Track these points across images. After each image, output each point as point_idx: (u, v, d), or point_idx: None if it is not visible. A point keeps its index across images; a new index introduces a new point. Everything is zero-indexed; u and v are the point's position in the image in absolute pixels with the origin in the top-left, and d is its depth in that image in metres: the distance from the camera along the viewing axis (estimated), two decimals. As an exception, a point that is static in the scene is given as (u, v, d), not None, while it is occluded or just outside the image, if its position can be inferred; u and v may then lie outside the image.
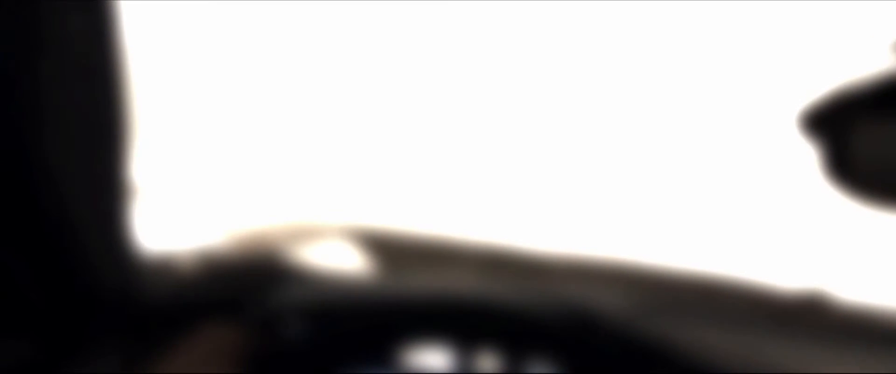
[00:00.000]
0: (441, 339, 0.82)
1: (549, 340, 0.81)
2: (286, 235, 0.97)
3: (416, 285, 0.88)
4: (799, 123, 0.74)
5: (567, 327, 0.81)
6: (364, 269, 0.96)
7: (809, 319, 0.89)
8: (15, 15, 0.43)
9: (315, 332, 0.82)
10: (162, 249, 0.85)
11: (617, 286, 0.94)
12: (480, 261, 0.94)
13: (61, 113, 0.49)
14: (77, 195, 0.54)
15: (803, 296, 0.92)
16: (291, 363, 0.81)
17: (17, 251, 0.53)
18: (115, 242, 0.62)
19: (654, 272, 0.97)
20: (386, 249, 0.95)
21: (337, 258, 0.97)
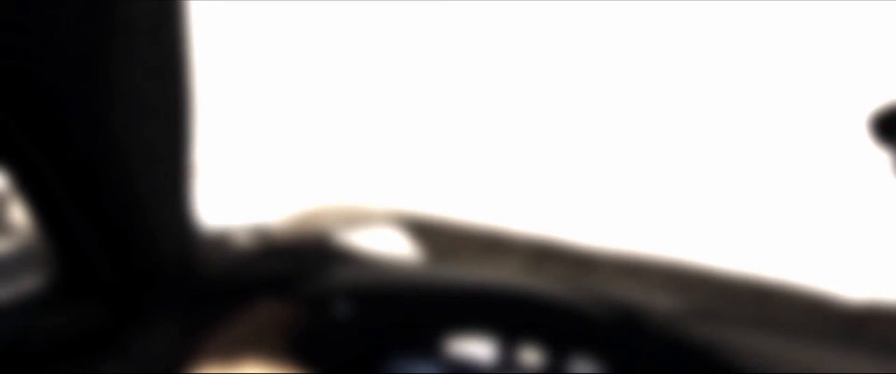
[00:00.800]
0: (485, 330, 0.81)
1: (595, 337, 0.80)
2: (338, 218, 0.99)
3: (463, 275, 0.88)
4: (870, 129, 0.70)
5: (614, 325, 0.80)
6: (412, 255, 0.97)
7: (873, 329, 0.85)
8: None
9: (362, 313, 0.83)
10: (220, 226, 0.89)
11: (668, 287, 0.92)
12: (528, 254, 0.94)
13: (130, 93, 0.51)
14: (143, 172, 0.56)
15: (867, 306, 0.88)
16: (338, 341, 0.83)
17: (86, 223, 0.56)
18: (177, 218, 0.65)
19: (707, 275, 0.95)
20: (434, 237, 0.96)
21: (386, 244, 0.98)
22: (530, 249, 0.98)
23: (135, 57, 0.49)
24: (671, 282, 0.92)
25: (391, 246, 0.97)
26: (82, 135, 0.50)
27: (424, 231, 0.99)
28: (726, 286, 0.94)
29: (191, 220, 0.68)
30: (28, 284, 0.63)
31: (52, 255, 0.59)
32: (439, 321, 0.83)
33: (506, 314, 0.83)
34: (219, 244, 0.87)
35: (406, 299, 0.85)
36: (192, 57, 0.55)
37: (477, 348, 0.82)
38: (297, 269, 0.85)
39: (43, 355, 0.58)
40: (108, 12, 0.46)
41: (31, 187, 0.53)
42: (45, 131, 0.50)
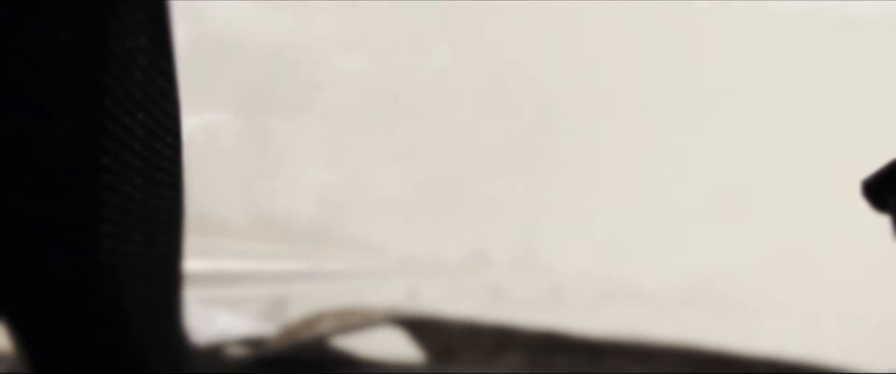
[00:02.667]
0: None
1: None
2: (335, 323, 0.96)
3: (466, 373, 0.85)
4: (864, 193, 0.70)
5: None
6: (414, 357, 0.93)
7: None
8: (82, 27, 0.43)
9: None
10: (212, 338, 0.86)
11: (673, 369, 0.88)
12: (534, 348, 0.90)
13: (122, 200, 0.50)
14: (132, 283, 0.54)
15: None
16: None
17: (72, 338, 0.54)
18: (167, 331, 0.63)
19: (721, 357, 0.91)
20: (436, 336, 0.93)
21: (386, 346, 0.95)
22: (536, 343, 0.95)
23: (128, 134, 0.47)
24: (685, 367, 0.88)
25: (392, 348, 0.94)
26: (68, 246, 0.49)
27: (426, 331, 0.96)
28: (741, 367, 0.90)
29: (182, 333, 0.65)
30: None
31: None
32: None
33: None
34: (211, 358, 0.84)
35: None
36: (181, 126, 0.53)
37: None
38: (294, 379, 0.82)
39: None
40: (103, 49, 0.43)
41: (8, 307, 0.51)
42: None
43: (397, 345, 0.95)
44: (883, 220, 0.64)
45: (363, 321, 0.94)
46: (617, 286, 6.57)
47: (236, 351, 0.86)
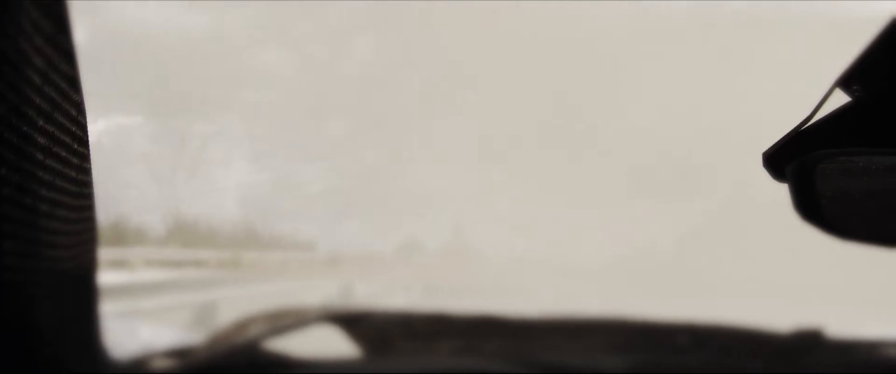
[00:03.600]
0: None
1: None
2: (265, 326, 0.94)
3: (402, 367, 0.85)
4: (765, 164, 0.76)
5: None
6: (349, 353, 0.93)
7: (804, 355, 0.88)
8: None
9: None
10: (135, 350, 0.82)
11: (612, 345, 0.92)
12: (467, 333, 0.92)
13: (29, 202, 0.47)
14: (43, 299, 0.51)
15: (797, 335, 0.92)
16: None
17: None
18: (85, 347, 0.59)
19: (648, 327, 0.96)
20: (369, 331, 0.93)
21: (320, 345, 0.93)
22: (470, 328, 0.96)
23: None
24: (614, 339, 0.92)
25: (327, 346, 0.93)
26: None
27: (360, 326, 0.95)
28: (666, 338, 0.95)
29: (102, 350, 0.62)
30: None
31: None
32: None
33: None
34: (135, 372, 0.80)
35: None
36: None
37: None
38: (227, 386, 0.79)
39: None
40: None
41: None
42: None
43: (333, 343, 0.94)
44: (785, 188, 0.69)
45: (296, 321, 0.93)
46: (547, 267, 6.76)
47: (163, 363, 0.83)
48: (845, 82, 0.68)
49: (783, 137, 0.72)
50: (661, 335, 0.93)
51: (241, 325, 0.93)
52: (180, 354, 0.85)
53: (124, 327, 0.90)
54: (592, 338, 0.91)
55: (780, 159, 0.72)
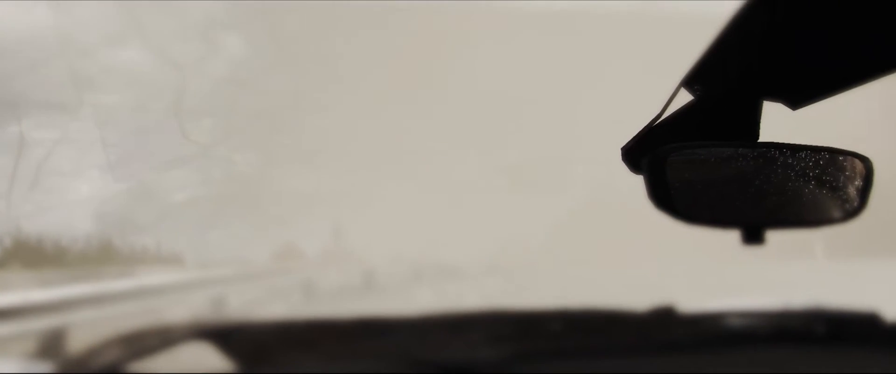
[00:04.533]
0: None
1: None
2: (127, 347, 0.86)
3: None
4: (623, 158, 0.81)
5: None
6: (222, 367, 0.87)
7: (660, 328, 0.96)
8: None
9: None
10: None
11: (491, 337, 0.95)
12: (346, 335, 0.90)
13: None
14: None
15: (653, 311, 1.00)
16: None
17: None
18: None
19: (523, 316, 1.00)
20: (242, 342, 0.88)
21: (191, 361, 0.87)
22: (352, 331, 0.94)
23: None
24: (495, 330, 0.95)
25: (197, 365, 0.87)
26: None
27: (234, 339, 0.90)
28: (541, 324, 1.00)
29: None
30: None
31: None
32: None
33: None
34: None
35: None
36: None
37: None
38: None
39: None
40: None
41: None
42: None
43: (205, 360, 0.88)
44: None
45: (161, 340, 0.86)
46: (426, 266, 6.84)
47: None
48: (688, 82, 0.75)
49: (638, 133, 0.78)
50: (536, 322, 0.97)
51: (98, 349, 0.84)
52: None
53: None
54: (472, 332, 0.93)
55: (636, 153, 0.78)
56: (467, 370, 0.81)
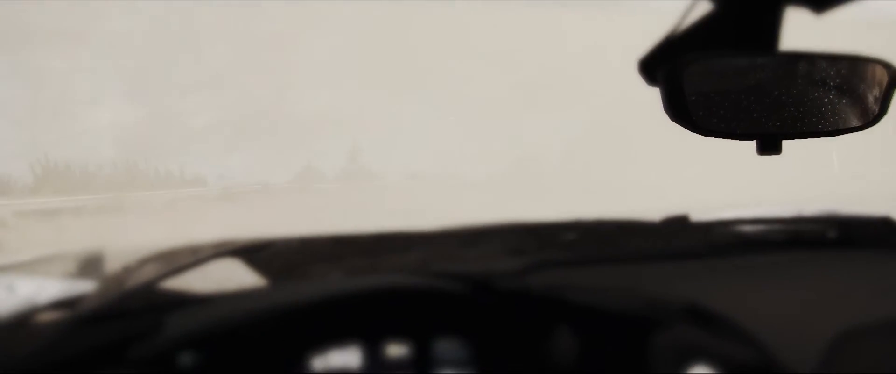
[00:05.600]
0: (345, 338, 0.80)
1: (451, 312, 0.83)
2: (161, 265, 0.90)
3: (309, 290, 0.86)
4: (639, 70, 0.80)
5: (466, 295, 0.83)
6: (253, 283, 0.92)
7: (673, 236, 0.99)
8: None
9: (211, 358, 0.77)
10: (14, 307, 0.77)
11: (506, 249, 0.98)
12: (367, 249, 0.94)
13: None
14: None
15: (667, 220, 1.02)
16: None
17: None
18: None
19: (537, 227, 1.02)
20: (271, 258, 0.92)
21: (222, 278, 0.92)
22: (372, 245, 0.98)
23: None
24: (509, 243, 0.98)
25: (227, 281, 0.91)
26: None
27: (261, 256, 0.94)
28: (555, 235, 1.03)
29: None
30: None
31: None
32: (296, 344, 0.80)
33: (361, 316, 0.82)
34: (18, 329, 0.75)
35: (255, 332, 0.80)
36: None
37: (342, 358, 0.81)
38: (124, 331, 0.77)
39: None
40: None
41: None
42: None
43: (234, 276, 0.93)
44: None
45: (192, 257, 0.90)
46: (442, 182, 6.92)
47: (49, 316, 0.78)
48: (707, -10, 0.72)
49: (655, 44, 0.77)
50: (550, 232, 1.00)
51: (134, 267, 0.89)
52: (68, 304, 0.81)
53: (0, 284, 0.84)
54: (488, 244, 0.97)
55: (653, 65, 0.77)
56: (485, 279, 0.85)
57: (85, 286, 0.88)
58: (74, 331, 0.75)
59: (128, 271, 0.88)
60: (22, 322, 0.76)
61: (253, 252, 0.92)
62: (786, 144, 0.75)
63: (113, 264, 0.97)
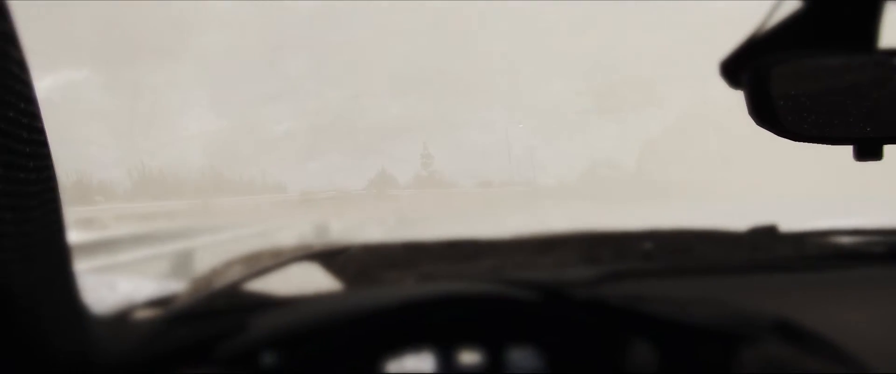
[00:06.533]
0: (420, 344, 0.81)
1: (525, 320, 0.82)
2: (245, 267, 0.95)
3: (385, 295, 0.87)
4: (722, 73, 0.77)
5: (540, 303, 0.82)
6: (332, 287, 0.95)
7: (760, 247, 0.93)
8: None
9: (291, 359, 0.80)
10: (115, 303, 0.82)
11: (581, 257, 0.96)
12: (441, 256, 0.94)
13: None
14: (12, 263, 0.51)
15: (753, 230, 0.97)
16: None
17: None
18: (63, 306, 0.60)
19: (614, 237, 1.00)
20: (348, 263, 0.94)
21: (303, 281, 0.95)
22: (446, 253, 0.99)
23: None
24: (582, 251, 0.96)
25: (306, 284, 0.94)
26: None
27: (338, 261, 0.97)
28: (632, 244, 0.99)
29: (81, 307, 0.63)
30: None
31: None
32: (372, 347, 0.82)
33: (436, 322, 0.83)
34: (118, 325, 0.81)
35: (333, 334, 0.83)
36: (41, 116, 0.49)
37: (417, 363, 0.82)
38: (212, 329, 0.81)
39: None
40: None
41: None
42: None
43: (313, 279, 0.96)
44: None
45: (274, 261, 0.94)
46: (515, 190, 6.87)
47: (145, 313, 0.84)
48: (795, -13, 0.68)
49: (738, 45, 0.73)
50: (627, 242, 0.97)
51: (221, 269, 0.94)
52: (162, 302, 0.86)
53: (103, 282, 0.90)
54: (562, 252, 0.95)
55: (736, 67, 0.73)
56: (558, 288, 0.83)
57: (177, 286, 0.93)
58: (168, 328, 0.80)
59: (215, 272, 0.93)
60: (122, 319, 0.81)
61: (330, 257, 0.95)
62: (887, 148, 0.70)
63: (201, 265, 1.02)
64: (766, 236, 0.95)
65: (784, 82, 0.72)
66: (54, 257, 0.57)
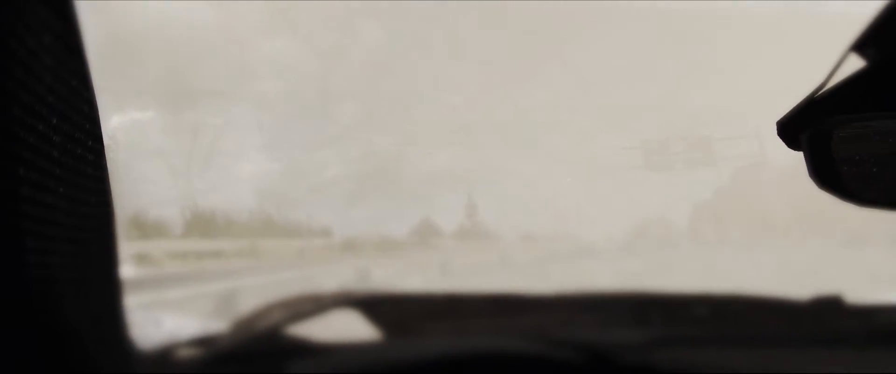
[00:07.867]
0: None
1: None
2: (286, 311, 0.95)
3: (425, 347, 0.86)
4: (780, 133, 0.75)
5: (584, 366, 0.79)
6: (370, 336, 0.94)
7: (824, 320, 0.88)
8: None
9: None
10: (160, 340, 0.83)
11: (628, 318, 0.92)
12: (483, 310, 0.92)
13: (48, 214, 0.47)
14: (68, 296, 0.52)
15: (817, 300, 0.91)
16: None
17: (17, 358, 0.51)
18: (112, 339, 0.61)
19: (664, 299, 0.96)
20: (390, 313, 0.93)
21: (342, 329, 0.95)
22: (488, 307, 0.97)
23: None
24: (629, 311, 0.93)
25: (345, 331, 0.94)
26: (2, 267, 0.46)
27: (379, 309, 0.96)
28: (683, 308, 0.95)
29: (128, 341, 0.64)
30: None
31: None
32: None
33: (476, 377, 0.81)
34: (162, 360, 0.82)
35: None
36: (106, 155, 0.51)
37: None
38: (251, 372, 0.81)
39: None
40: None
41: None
42: None
43: (352, 327, 0.95)
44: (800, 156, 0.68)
45: (315, 306, 0.94)
46: (560, 245, 6.77)
47: (187, 352, 0.84)
48: (859, 46, 0.67)
49: (797, 105, 0.71)
50: (678, 306, 0.93)
51: (262, 312, 0.94)
52: (204, 342, 0.87)
53: (149, 318, 0.92)
54: (609, 312, 0.92)
55: (795, 127, 0.71)
56: (604, 351, 0.80)
57: (219, 325, 0.94)
58: (208, 368, 0.80)
59: (257, 315, 0.93)
60: (165, 356, 0.82)
61: (371, 305, 0.94)
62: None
63: (245, 306, 1.03)
64: (830, 306, 0.89)
65: (847, 145, 0.70)
66: (107, 292, 0.58)
